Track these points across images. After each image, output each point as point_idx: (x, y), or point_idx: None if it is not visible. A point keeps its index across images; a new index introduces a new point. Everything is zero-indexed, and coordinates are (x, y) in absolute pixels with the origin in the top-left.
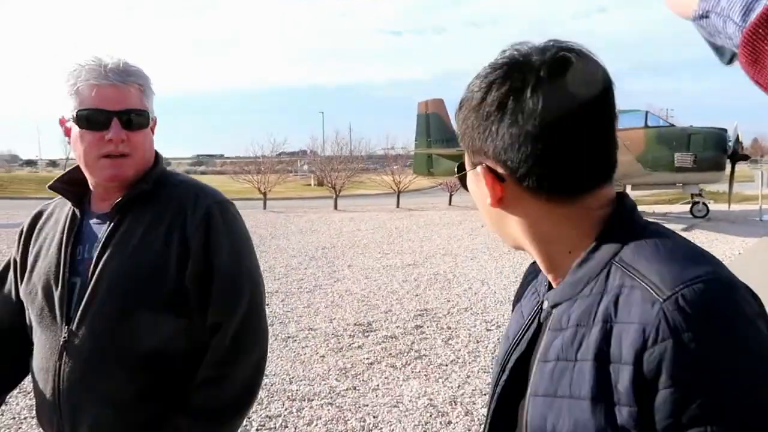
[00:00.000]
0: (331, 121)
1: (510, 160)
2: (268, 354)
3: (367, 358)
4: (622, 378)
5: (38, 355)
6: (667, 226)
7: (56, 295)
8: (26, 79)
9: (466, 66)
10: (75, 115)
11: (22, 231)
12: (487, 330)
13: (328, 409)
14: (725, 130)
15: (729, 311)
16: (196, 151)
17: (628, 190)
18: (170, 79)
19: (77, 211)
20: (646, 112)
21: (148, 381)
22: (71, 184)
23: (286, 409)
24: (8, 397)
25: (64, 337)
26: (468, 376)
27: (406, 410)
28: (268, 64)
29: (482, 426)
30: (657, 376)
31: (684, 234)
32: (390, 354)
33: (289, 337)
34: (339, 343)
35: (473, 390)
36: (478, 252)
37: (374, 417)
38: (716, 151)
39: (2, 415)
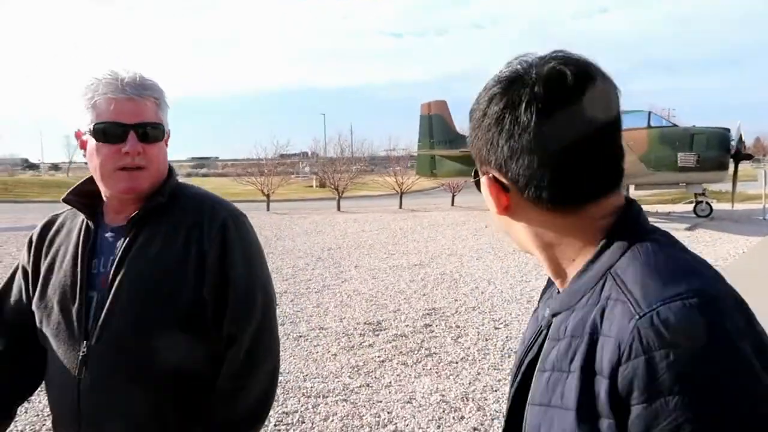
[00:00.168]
0: (333, 122)
1: (510, 172)
2: (281, 353)
3: (378, 356)
4: (602, 391)
5: (55, 369)
6: (670, 225)
7: (74, 310)
8: (26, 79)
9: (467, 67)
10: (92, 129)
11: (31, 241)
12: (495, 328)
13: (343, 406)
14: (728, 130)
15: (704, 332)
16: (189, 153)
17: (632, 190)
18: (169, 80)
19: (91, 224)
20: (649, 113)
21: (167, 394)
22: (83, 196)
23: (302, 406)
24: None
25: (83, 352)
26: (478, 373)
27: (419, 406)
28: (269, 65)
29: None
30: (630, 392)
31: (687, 233)
32: (401, 352)
33: (300, 336)
34: (350, 341)
35: (484, 386)
36: (483, 252)
37: (388, 413)
38: (719, 151)
39: (26, 412)
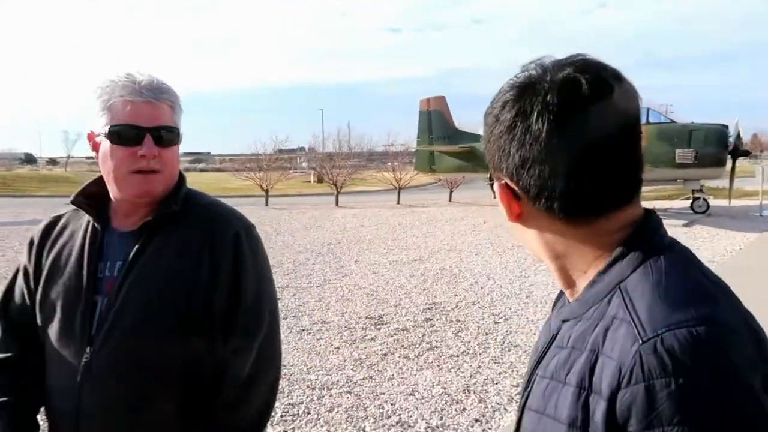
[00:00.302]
0: (332, 119)
1: (522, 181)
2: (284, 345)
3: (380, 350)
4: (599, 411)
5: (55, 374)
6: (667, 221)
7: (78, 314)
8: (26, 78)
9: (466, 64)
10: (108, 131)
11: (32, 242)
12: (495, 323)
13: (347, 397)
14: (726, 127)
15: (709, 364)
16: (183, 149)
17: None
18: (169, 80)
19: (98, 227)
20: (647, 109)
21: (172, 403)
22: (89, 197)
23: (307, 397)
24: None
25: (86, 358)
26: (479, 366)
27: (421, 398)
28: (268, 64)
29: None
30: (627, 418)
31: (684, 229)
32: (402, 346)
33: (303, 330)
34: (352, 335)
35: (485, 379)
36: (482, 248)
37: (392, 404)
38: (717, 147)
39: None
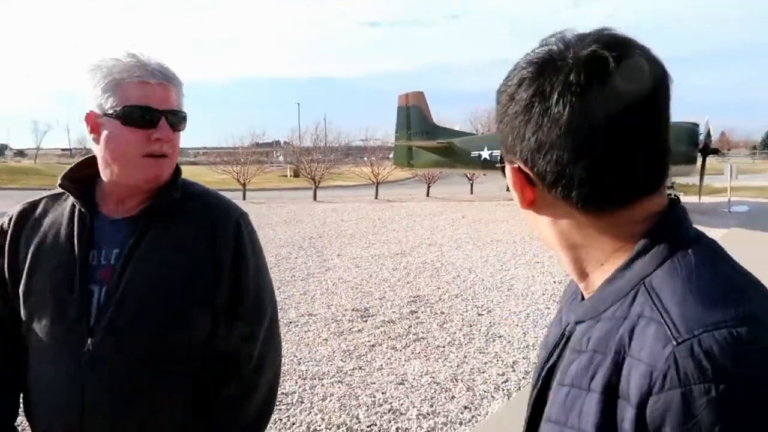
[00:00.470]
0: (311, 113)
1: (537, 166)
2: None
3: (368, 341)
4: (627, 418)
5: (48, 369)
6: None
7: (72, 305)
8: (26, 78)
9: (448, 58)
10: (121, 111)
11: (4, 230)
12: (479, 315)
13: (339, 387)
14: (697, 125)
15: (753, 367)
16: None
17: None
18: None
19: (86, 213)
20: None
21: (176, 394)
22: (75, 182)
23: (299, 387)
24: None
25: (88, 349)
26: (465, 356)
27: (411, 387)
28: (269, 64)
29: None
30: (660, 426)
31: None
32: (389, 337)
33: (291, 322)
34: (339, 327)
35: (471, 369)
36: (462, 242)
37: (383, 393)
38: (688, 145)
39: None
